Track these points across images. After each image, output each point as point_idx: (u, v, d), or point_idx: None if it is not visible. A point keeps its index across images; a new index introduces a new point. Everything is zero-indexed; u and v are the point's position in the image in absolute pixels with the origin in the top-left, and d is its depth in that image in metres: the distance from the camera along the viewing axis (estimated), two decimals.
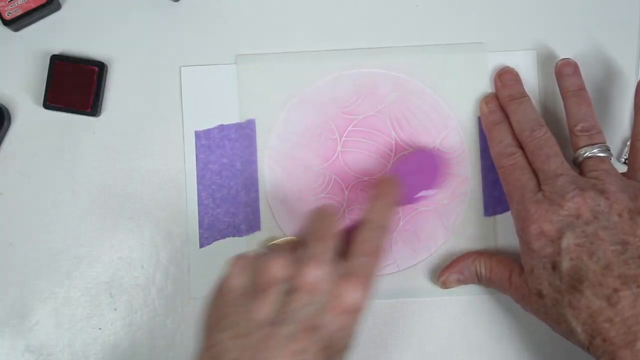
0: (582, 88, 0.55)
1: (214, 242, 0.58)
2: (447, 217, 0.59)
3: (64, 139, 0.59)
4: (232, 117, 0.59)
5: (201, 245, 0.58)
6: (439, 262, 0.58)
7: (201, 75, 0.59)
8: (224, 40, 0.60)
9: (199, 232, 0.58)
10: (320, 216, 0.50)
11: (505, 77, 0.58)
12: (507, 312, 0.59)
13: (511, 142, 0.55)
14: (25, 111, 0.59)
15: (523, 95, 0.56)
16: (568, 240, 0.49)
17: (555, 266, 0.50)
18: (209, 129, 0.59)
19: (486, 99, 0.58)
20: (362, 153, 0.59)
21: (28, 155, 0.59)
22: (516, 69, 0.58)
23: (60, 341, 0.58)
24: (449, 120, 0.59)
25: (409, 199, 0.57)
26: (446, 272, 0.57)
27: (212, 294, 0.48)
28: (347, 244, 0.49)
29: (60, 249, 0.59)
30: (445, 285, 0.58)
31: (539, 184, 0.52)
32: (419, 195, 0.57)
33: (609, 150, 0.53)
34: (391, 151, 0.59)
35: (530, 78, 0.59)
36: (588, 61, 0.59)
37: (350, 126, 0.59)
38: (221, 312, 0.47)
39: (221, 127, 0.59)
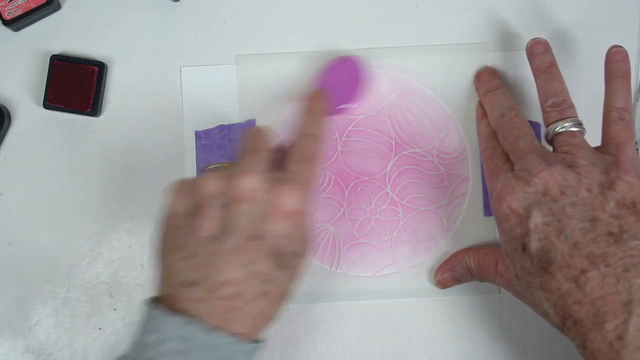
0: (552, 65, 0.54)
1: None
2: (447, 217, 0.59)
3: (64, 139, 0.59)
4: (232, 117, 0.59)
5: None
6: (439, 262, 0.58)
7: (201, 75, 0.59)
8: (224, 40, 0.60)
9: None
10: (251, 134, 0.51)
11: (482, 76, 0.58)
12: (507, 312, 0.59)
13: (491, 134, 0.55)
14: (25, 111, 0.59)
15: (498, 87, 0.57)
16: (535, 220, 0.48)
17: (524, 248, 0.49)
18: (209, 129, 0.59)
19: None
20: (362, 153, 0.59)
21: (28, 155, 0.59)
22: (516, 69, 0.58)
23: (60, 341, 0.58)
24: (449, 120, 0.59)
25: (334, 109, 0.58)
26: (440, 271, 0.58)
27: (160, 223, 0.49)
28: (282, 160, 0.50)
29: (60, 249, 0.59)
30: (441, 284, 0.58)
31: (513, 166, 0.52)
32: (342, 106, 0.58)
33: (581, 125, 0.52)
34: (391, 151, 0.59)
35: (531, 78, 0.58)
36: (589, 61, 0.59)
37: (350, 126, 0.59)
38: (169, 237, 0.48)
39: (221, 127, 0.59)
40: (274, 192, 0.47)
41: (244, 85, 0.59)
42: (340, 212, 0.59)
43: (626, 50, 0.54)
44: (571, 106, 0.52)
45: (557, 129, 0.52)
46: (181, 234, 0.47)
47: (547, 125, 0.52)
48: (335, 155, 0.59)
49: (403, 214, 0.59)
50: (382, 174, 0.59)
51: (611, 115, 0.52)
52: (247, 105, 0.59)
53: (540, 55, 0.55)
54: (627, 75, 0.53)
